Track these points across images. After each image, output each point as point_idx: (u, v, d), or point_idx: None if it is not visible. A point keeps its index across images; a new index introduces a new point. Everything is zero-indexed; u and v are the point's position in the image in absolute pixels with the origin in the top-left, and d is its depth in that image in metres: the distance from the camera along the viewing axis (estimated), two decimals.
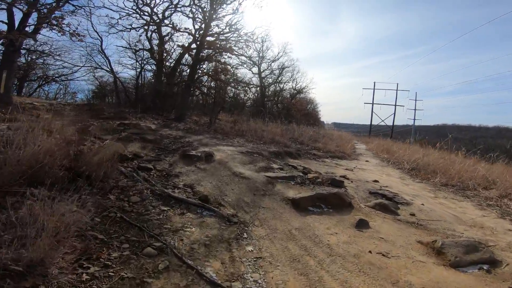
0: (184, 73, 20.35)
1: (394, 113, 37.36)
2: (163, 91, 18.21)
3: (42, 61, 23.87)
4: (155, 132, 9.05)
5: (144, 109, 16.30)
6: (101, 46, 17.98)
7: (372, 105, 38.77)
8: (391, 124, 37.85)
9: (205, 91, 18.38)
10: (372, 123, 39.24)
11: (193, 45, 15.25)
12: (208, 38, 14.19)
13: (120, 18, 15.45)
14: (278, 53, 27.46)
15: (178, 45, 14.64)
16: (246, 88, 23.36)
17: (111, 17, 15.37)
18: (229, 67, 16.02)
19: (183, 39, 15.62)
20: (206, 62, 15.88)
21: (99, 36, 17.56)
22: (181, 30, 15.09)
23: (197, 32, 15.05)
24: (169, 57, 18.73)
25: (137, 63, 17.95)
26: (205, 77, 17.69)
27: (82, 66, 18.70)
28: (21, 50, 12.18)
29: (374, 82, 38.98)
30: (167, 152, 6.72)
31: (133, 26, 16.41)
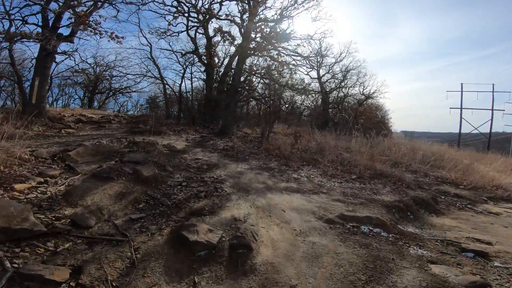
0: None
1: (492, 119, 27.30)
2: (211, 99, 15.52)
3: (108, 73, 24.59)
4: (172, 157, 5.66)
5: (191, 121, 13.75)
6: (150, 52, 16.53)
7: (461, 110, 29.29)
8: (484, 132, 27.96)
9: (256, 95, 14.80)
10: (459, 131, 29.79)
11: (237, 34, 11.84)
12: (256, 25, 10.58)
13: (169, 18, 13.36)
14: (341, 54, 22.25)
15: (215, 29, 11.40)
16: (303, 94, 19.04)
17: (158, 16, 13.33)
18: (284, 63, 12.12)
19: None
20: (256, 58, 12.28)
21: (149, 42, 16.10)
22: (221, 17, 11.93)
23: (242, 18, 11.59)
24: (218, 60, 16.06)
25: (185, 68, 15.67)
26: (256, 79, 14.08)
27: (128, 74, 17.49)
28: (56, 55, 10.88)
29: (462, 84, 29.35)
30: (157, 215, 3.05)
31: (180, 27, 14.31)
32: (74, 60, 12.44)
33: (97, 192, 3.51)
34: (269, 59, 12.26)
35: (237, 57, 10.46)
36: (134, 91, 26.60)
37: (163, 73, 17.36)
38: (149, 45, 15.69)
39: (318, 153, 7.05)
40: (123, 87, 26.90)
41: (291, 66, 12.37)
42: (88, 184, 3.69)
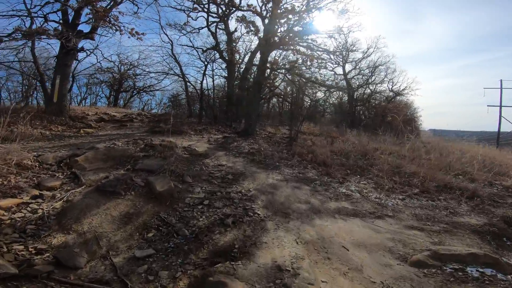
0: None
1: None
2: (233, 96, 14.74)
3: (132, 71, 24.76)
4: (192, 163, 4.85)
5: (213, 119, 13.09)
6: (171, 49, 16.08)
7: (500, 108, 25.92)
8: None
9: (279, 92, 13.76)
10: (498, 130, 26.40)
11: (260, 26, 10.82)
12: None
13: (189, 12, 12.71)
14: (368, 49, 20.37)
15: (238, 18, 10.42)
16: (327, 92, 17.61)
17: (177, 11, 12.74)
18: (313, 56, 10.91)
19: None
20: (280, 52, 11.24)
21: (169, 39, 15.64)
22: (243, 8, 11.02)
23: (266, 7, 10.56)
24: (239, 57, 15.25)
25: (206, 64, 14.99)
26: (279, 74, 13.02)
27: (150, 72, 17.22)
28: (78, 53, 10.61)
29: (501, 80, 25.88)
30: (170, 252, 2.18)
31: (200, 22, 13.66)
32: (96, 58, 12.20)
33: (98, 212, 2.74)
34: (293, 53, 11.16)
35: (259, 52, 9.54)
36: (157, 90, 26.65)
37: (185, 71, 16.87)
38: (170, 42, 15.23)
39: (361, 158, 5.91)
40: (146, 85, 26.99)
41: (321, 59, 11.18)
42: (89, 201, 2.94)
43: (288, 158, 6.01)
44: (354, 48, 18.77)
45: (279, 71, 11.20)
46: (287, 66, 11.30)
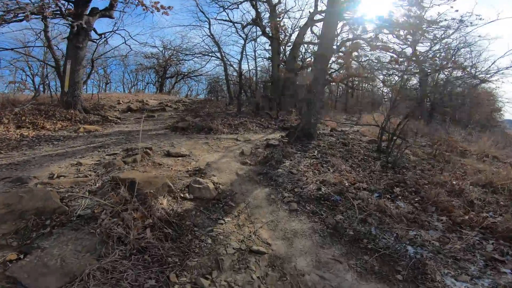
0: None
1: None
2: (278, 81, 11.29)
3: (175, 57, 23.09)
4: (176, 250, 1.78)
5: (255, 108, 10.01)
6: (209, 29, 13.24)
7: None
8: None
9: (359, 73, 9.61)
10: None
11: None
12: None
13: None
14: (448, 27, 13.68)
15: None
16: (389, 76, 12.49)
17: None
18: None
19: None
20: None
21: (207, 18, 12.81)
22: None
23: None
24: (285, 35, 11.58)
25: (245, 40, 11.69)
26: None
27: (191, 54, 14.72)
28: (93, 34, 8.39)
29: None
30: None
31: None
32: (124, 40, 10.02)
33: None
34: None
35: (323, 24, 5.65)
36: (200, 75, 24.61)
37: (228, 53, 13.88)
38: (207, 20, 12.52)
39: None
40: (190, 70, 25.13)
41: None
42: None
43: (419, 219, 2.48)
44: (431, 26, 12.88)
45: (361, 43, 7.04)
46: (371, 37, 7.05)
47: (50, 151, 4.21)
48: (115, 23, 9.74)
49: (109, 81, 20.73)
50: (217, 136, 6.35)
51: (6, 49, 8.29)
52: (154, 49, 21.27)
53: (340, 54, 6.72)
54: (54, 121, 6.60)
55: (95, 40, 9.01)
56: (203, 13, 12.71)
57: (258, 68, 12.87)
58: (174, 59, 23.50)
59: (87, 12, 8.15)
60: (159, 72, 24.79)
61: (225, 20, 11.17)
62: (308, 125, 5.62)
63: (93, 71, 11.41)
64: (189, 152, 4.21)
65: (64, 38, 8.64)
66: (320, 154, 4.51)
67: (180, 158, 3.90)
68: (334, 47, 6.42)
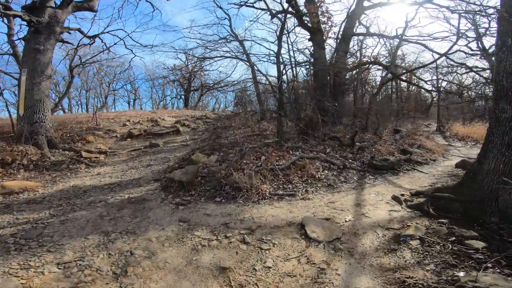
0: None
1: None
2: (326, 86, 7.82)
3: (198, 68, 20.78)
4: None
5: (298, 131, 6.51)
6: (230, 26, 10.34)
7: None
8: None
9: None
10: None
11: None
12: None
13: None
14: None
15: None
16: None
17: None
18: None
19: None
20: None
21: (226, 14, 10.01)
22: None
23: None
24: (330, 24, 8.12)
25: (278, 35, 8.43)
26: None
27: (215, 57, 11.77)
28: (65, 33, 5.79)
29: None
30: None
31: None
32: (105, 43, 7.42)
33: None
34: None
35: None
36: (226, 85, 21.92)
37: (250, 52, 10.67)
38: (227, 17, 9.76)
39: None
40: (216, 81, 22.62)
41: None
42: None
43: None
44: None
45: None
46: None
47: None
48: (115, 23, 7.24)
49: (136, 97, 18.98)
50: (250, 209, 3.04)
51: None
52: (170, 58, 19.18)
53: None
54: None
55: (70, 42, 6.35)
56: (222, 9, 9.95)
57: (289, 71, 9.43)
58: (197, 69, 21.23)
59: (51, 3, 5.58)
60: (183, 85, 22.77)
61: (250, 6, 8.06)
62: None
63: (71, 82, 8.94)
64: None
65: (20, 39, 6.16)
66: None
67: None
68: None
